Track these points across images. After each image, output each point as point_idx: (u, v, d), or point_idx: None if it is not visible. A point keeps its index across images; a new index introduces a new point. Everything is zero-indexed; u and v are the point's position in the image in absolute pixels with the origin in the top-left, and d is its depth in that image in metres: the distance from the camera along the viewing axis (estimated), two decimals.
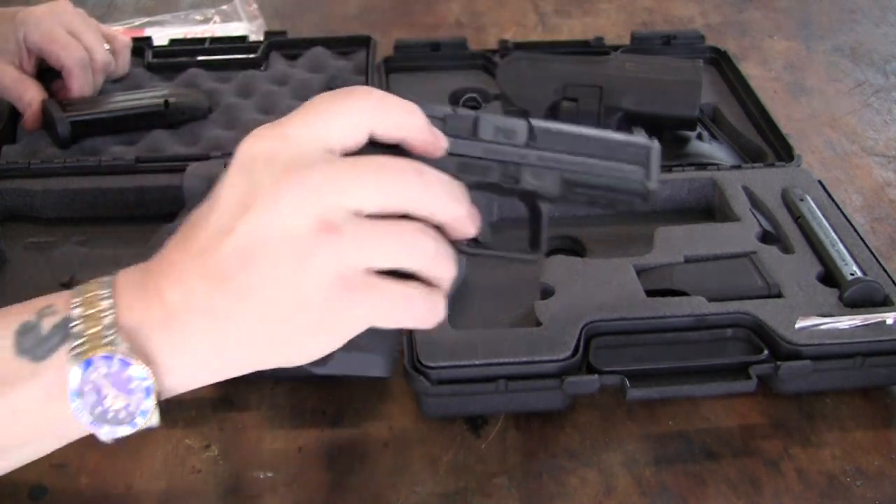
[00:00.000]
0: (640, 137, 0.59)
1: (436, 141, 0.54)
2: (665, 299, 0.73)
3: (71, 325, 0.50)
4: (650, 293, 0.74)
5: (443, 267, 0.52)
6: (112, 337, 0.49)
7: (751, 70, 1.15)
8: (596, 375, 0.68)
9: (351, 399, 0.72)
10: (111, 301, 0.50)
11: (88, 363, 0.49)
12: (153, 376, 0.50)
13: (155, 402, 0.50)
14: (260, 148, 0.50)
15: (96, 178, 0.87)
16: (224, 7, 1.27)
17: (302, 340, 0.50)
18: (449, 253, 0.52)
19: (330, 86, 0.76)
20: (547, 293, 0.74)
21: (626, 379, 0.67)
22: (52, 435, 0.52)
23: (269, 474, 0.67)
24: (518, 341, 0.68)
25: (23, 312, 0.52)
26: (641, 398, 0.69)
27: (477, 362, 0.67)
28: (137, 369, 0.49)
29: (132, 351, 0.49)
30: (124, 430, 0.51)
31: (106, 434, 0.51)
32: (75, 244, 0.82)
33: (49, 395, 0.50)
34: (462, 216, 0.53)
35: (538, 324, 0.71)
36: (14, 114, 0.98)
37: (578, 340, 0.69)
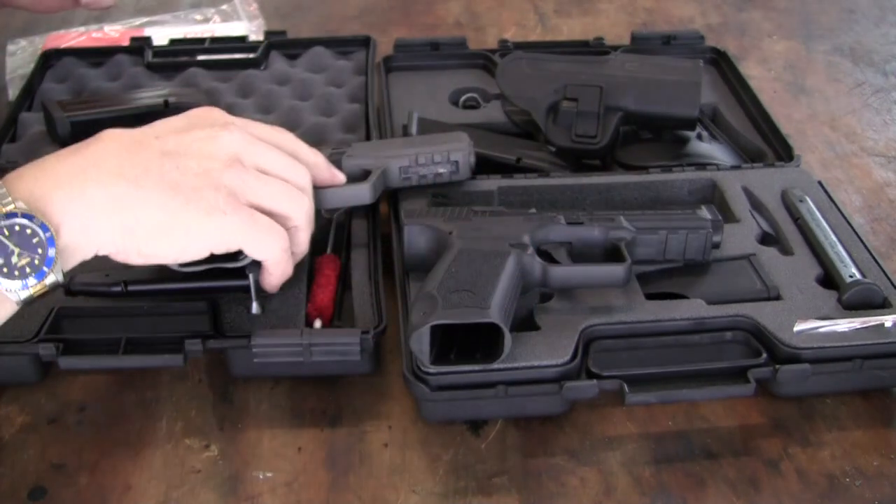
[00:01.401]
0: None
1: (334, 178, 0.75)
2: (664, 302, 0.73)
3: None
4: (649, 296, 0.74)
5: (309, 225, 0.70)
6: (9, 199, 0.55)
7: (751, 70, 1.15)
8: (594, 381, 0.68)
9: (351, 399, 0.73)
10: None
11: None
12: (54, 229, 0.56)
13: (56, 254, 0.57)
14: (206, 112, 0.68)
15: None
16: (224, 7, 1.27)
17: (182, 232, 0.62)
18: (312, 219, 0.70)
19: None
20: (545, 297, 0.74)
21: (625, 384, 0.67)
22: None
23: (269, 474, 0.67)
24: (517, 346, 0.68)
25: None
26: (640, 403, 0.70)
27: (476, 368, 0.67)
28: (38, 222, 0.56)
29: (32, 209, 0.56)
30: (32, 284, 0.57)
31: (14, 292, 0.57)
32: None
33: None
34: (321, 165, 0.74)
35: (537, 328, 0.71)
36: (14, 113, 0.98)
37: (577, 344, 0.69)
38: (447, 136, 0.84)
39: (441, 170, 0.81)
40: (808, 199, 0.84)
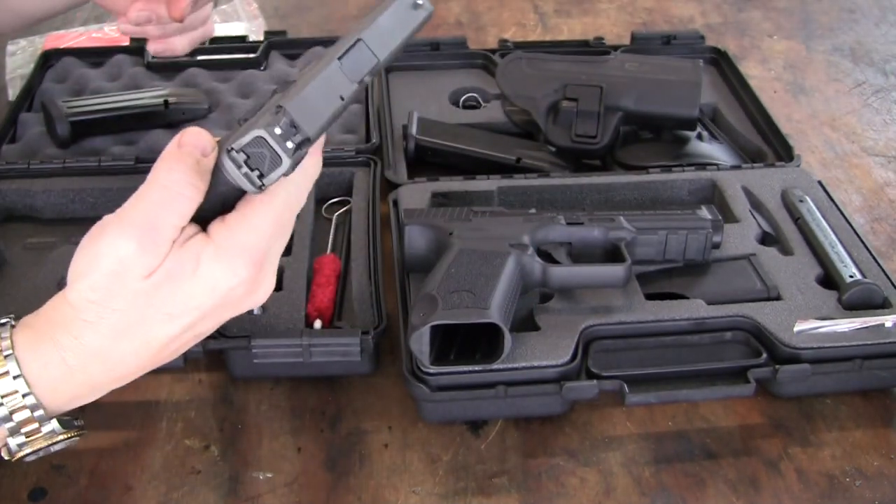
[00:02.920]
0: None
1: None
2: (664, 303, 0.73)
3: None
4: (649, 297, 0.74)
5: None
6: (41, 412, 0.53)
7: (751, 70, 1.15)
8: (595, 381, 0.68)
9: (351, 399, 0.73)
10: (34, 399, 0.52)
11: (34, 454, 0.54)
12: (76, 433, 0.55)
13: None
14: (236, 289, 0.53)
15: (96, 178, 0.88)
16: (224, 7, 1.27)
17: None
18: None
19: None
20: (545, 297, 0.74)
21: (625, 384, 0.67)
22: None
23: (269, 475, 0.67)
24: (517, 346, 0.68)
25: None
26: (640, 403, 0.70)
27: (476, 368, 0.67)
28: (64, 435, 0.54)
29: (67, 428, 0.54)
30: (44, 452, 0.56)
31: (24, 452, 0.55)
32: (75, 245, 0.82)
33: None
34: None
35: (537, 328, 0.71)
36: (14, 113, 0.98)
37: (577, 345, 0.69)
38: None
39: None
40: (808, 198, 0.84)
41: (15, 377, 0.52)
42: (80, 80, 1.04)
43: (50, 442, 0.54)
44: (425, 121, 0.95)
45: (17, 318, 0.54)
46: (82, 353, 0.52)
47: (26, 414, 0.52)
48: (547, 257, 0.73)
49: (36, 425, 0.53)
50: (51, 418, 0.53)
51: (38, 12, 0.79)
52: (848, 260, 0.77)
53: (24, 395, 0.52)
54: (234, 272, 0.52)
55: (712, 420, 0.71)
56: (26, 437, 0.53)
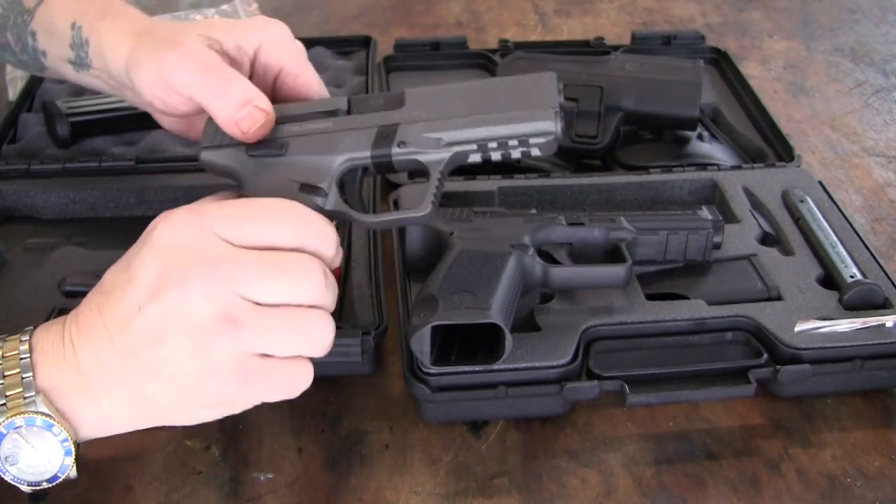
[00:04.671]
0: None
1: (336, 258, 0.59)
2: (665, 303, 0.73)
3: None
4: (650, 297, 0.74)
5: (328, 341, 0.58)
6: (32, 397, 0.53)
7: (751, 70, 1.15)
8: (595, 381, 0.68)
9: (351, 400, 0.73)
10: (29, 362, 0.53)
11: (11, 424, 0.53)
12: (72, 436, 0.54)
13: (74, 460, 0.55)
14: (178, 237, 0.54)
15: (96, 178, 0.88)
16: (224, 7, 1.27)
17: (203, 410, 0.56)
18: (332, 325, 0.58)
19: None
20: (546, 298, 0.74)
21: (626, 385, 0.67)
22: None
23: (270, 475, 0.67)
24: (517, 347, 0.68)
25: None
26: (641, 404, 0.70)
27: (477, 369, 0.67)
28: (58, 429, 0.53)
29: (53, 412, 0.53)
30: (43, 484, 0.55)
31: (25, 484, 0.55)
32: (75, 245, 0.82)
33: None
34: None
35: (538, 329, 0.71)
36: (14, 114, 0.98)
37: (578, 345, 0.69)
38: (529, 89, 0.64)
39: (515, 154, 0.66)
40: (808, 199, 0.84)
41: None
42: None
43: (31, 412, 0.52)
44: None
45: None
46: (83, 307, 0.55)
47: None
48: (548, 258, 0.73)
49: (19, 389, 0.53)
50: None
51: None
52: (849, 260, 0.77)
53: (21, 360, 0.53)
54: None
55: (713, 420, 0.71)
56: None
